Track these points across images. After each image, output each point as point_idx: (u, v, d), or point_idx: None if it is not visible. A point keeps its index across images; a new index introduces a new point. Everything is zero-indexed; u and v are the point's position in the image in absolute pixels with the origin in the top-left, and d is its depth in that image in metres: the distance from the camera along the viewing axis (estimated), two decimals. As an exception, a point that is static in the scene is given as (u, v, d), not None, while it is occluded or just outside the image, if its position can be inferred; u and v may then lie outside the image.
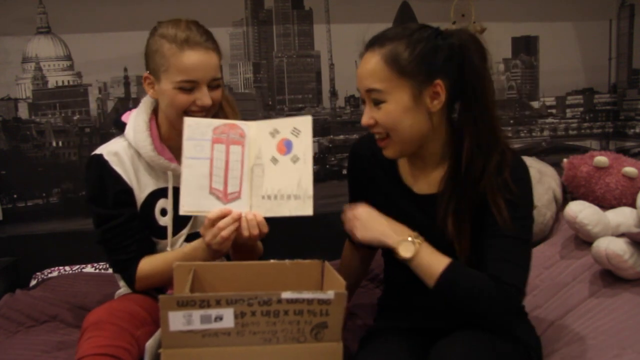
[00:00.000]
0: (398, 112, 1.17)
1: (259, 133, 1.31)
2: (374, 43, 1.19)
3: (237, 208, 1.27)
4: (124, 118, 1.45)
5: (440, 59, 1.17)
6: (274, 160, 1.30)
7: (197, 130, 1.29)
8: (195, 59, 1.32)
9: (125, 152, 1.40)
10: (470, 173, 1.19)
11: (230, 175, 1.29)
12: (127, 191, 1.39)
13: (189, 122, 1.29)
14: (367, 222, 1.24)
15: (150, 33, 1.38)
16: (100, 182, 1.39)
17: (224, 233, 1.24)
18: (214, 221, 1.25)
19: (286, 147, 1.30)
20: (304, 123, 1.30)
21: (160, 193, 1.42)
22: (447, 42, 1.18)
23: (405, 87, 1.16)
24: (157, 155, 1.39)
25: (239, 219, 1.26)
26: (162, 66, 1.33)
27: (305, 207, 1.26)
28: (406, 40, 1.17)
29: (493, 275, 1.15)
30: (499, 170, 1.19)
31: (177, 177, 1.37)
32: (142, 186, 1.41)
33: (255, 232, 1.26)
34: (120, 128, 1.44)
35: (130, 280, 1.41)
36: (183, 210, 1.28)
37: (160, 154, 1.39)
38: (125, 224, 1.39)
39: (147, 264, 1.40)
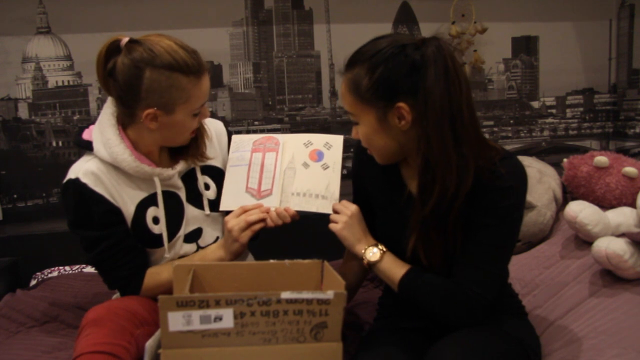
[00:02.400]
0: (369, 133, 1.21)
1: (294, 142, 1.45)
2: (348, 63, 1.20)
3: (268, 203, 1.39)
4: (85, 136, 1.38)
5: (399, 81, 1.13)
6: (306, 165, 1.42)
7: (240, 145, 1.47)
8: (208, 81, 1.33)
9: (101, 169, 1.34)
10: (426, 200, 1.15)
11: (265, 175, 1.42)
12: (113, 211, 1.35)
13: (235, 139, 1.49)
14: (353, 225, 1.29)
15: (141, 66, 1.25)
16: (82, 206, 1.33)
17: (249, 218, 1.34)
18: (246, 210, 1.36)
19: (318, 156, 1.43)
20: (336, 140, 1.44)
21: (147, 202, 1.38)
22: (410, 59, 1.12)
23: (370, 112, 1.18)
24: (140, 165, 1.34)
25: (267, 212, 1.36)
26: (180, 99, 1.28)
27: (330, 207, 1.35)
28: (367, 64, 1.16)
29: (458, 281, 1.18)
30: (481, 190, 1.14)
31: (163, 180, 1.38)
32: (128, 201, 1.36)
33: (280, 223, 1.36)
34: (84, 147, 1.37)
35: (132, 294, 1.39)
36: (222, 208, 1.43)
37: (141, 162, 1.35)
38: (120, 243, 1.36)
39: (154, 275, 1.39)
